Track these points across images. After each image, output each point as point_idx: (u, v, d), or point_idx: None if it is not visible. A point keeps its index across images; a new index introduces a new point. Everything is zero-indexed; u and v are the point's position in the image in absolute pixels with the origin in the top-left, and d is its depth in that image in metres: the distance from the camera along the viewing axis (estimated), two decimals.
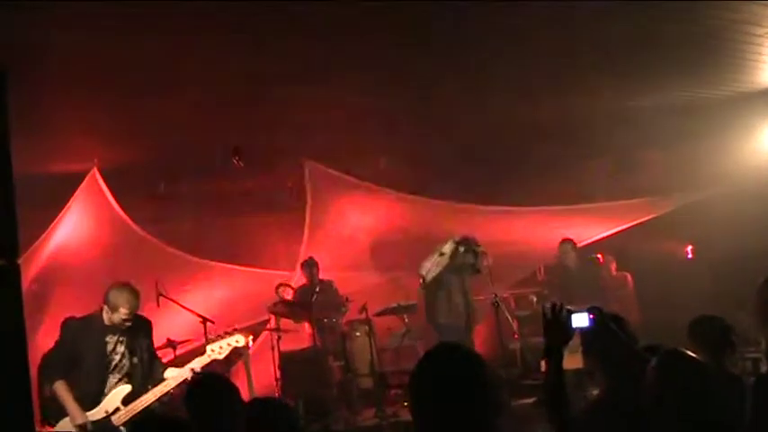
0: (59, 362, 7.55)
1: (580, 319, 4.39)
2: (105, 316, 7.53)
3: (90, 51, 7.66)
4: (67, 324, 7.79)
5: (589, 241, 13.34)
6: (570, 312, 4.27)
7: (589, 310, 4.53)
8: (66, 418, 7.35)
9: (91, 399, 7.39)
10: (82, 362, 7.48)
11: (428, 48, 8.57)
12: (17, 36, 6.69)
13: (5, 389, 3.39)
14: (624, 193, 13.17)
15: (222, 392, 4.58)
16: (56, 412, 9.02)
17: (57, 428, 7.37)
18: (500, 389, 4.27)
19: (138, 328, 7.73)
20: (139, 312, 7.82)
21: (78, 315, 9.97)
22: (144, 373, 7.68)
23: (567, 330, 4.19)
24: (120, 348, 7.60)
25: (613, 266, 13.55)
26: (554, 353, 4.12)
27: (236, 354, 11.66)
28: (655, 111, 11.57)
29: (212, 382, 4.91)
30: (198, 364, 7.70)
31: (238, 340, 7.94)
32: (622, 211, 13.15)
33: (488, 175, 13.25)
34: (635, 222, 13.09)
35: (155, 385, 7.55)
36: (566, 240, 12.84)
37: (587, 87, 10.58)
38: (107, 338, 7.54)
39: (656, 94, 11.05)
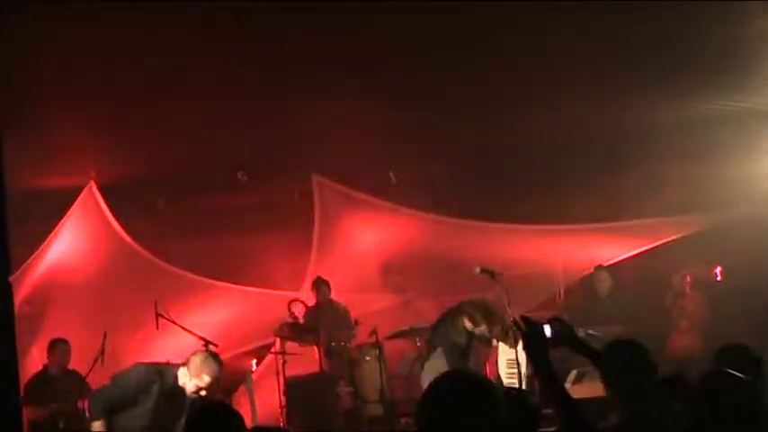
0: (112, 400, 7.28)
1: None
2: (181, 376, 7.38)
3: (89, 63, 7.72)
4: (139, 369, 7.51)
5: (613, 261, 13.28)
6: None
7: (549, 321, 4.66)
8: None
9: None
10: (133, 408, 7.33)
11: (445, 63, 8.60)
12: (12, 49, 6.75)
13: None
14: (651, 211, 13.12)
15: (225, 422, 4.55)
16: None
17: None
18: (528, 419, 4.28)
19: None
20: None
21: (68, 337, 10.08)
22: None
23: (541, 339, 4.27)
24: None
25: (687, 281, 13.20)
26: (536, 363, 4.18)
27: (238, 377, 11.72)
28: (684, 124, 11.54)
29: (214, 411, 4.88)
30: None
31: None
32: (649, 230, 13.09)
33: (506, 193, 13.22)
34: (662, 242, 13.04)
35: None
36: (599, 267, 12.80)
37: (615, 102, 10.57)
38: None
39: (685, 106, 11.03)
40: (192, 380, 7.32)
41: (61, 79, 8.10)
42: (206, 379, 7.30)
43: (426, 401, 3.00)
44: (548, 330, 4.59)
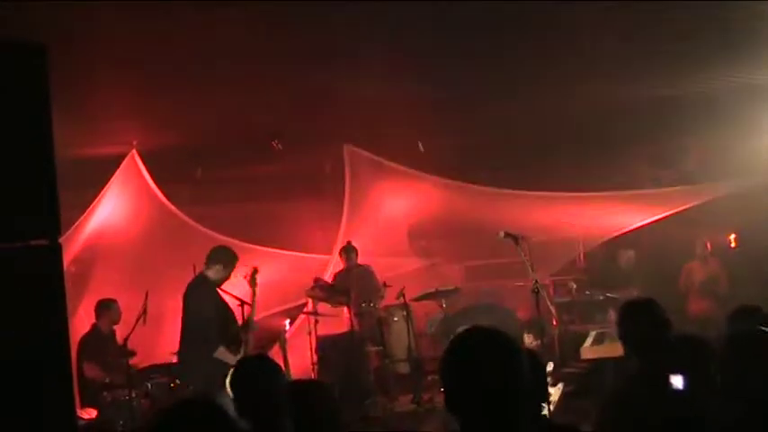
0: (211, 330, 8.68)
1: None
2: (216, 278, 8.91)
3: (130, 32, 7.72)
4: (206, 283, 8.90)
5: (630, 228, 13.25)
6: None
7: None
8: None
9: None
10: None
11: (473, 33, 8.55)
12: (58, 13, 6.76)
13: (48, 372, 3.45)
14: (667, 180, 13.07)
15: (267, 373, 4.63)
16: (93, 396, 9.25)
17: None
18: (538, 374, 4.31)
19: None
20: (175, 296, 8.37)
21: (114, 297, 10.28)
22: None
23: None
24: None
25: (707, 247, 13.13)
26: None
27: (273, 336, 11.83)
28: (699, 96, 11.45)
29: (257, 363, 4.97)
30: None
31: None
32: (664, 198, 13.05)
33: (529, 161, 13.20)
34: (677, 210, 12.98)
35: None
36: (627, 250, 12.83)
37: (638, 75, 10.50)
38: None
39: (705, 78, 10.92)
40: (225, 271, 8.89)
41: (106, 52, 8.12)
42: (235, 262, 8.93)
43: (449, 356, 3.01)
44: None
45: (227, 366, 7.92)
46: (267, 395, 4.40)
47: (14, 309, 3.38)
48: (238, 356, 8.49)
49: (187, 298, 8.92)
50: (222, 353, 8.53)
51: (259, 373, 4.65)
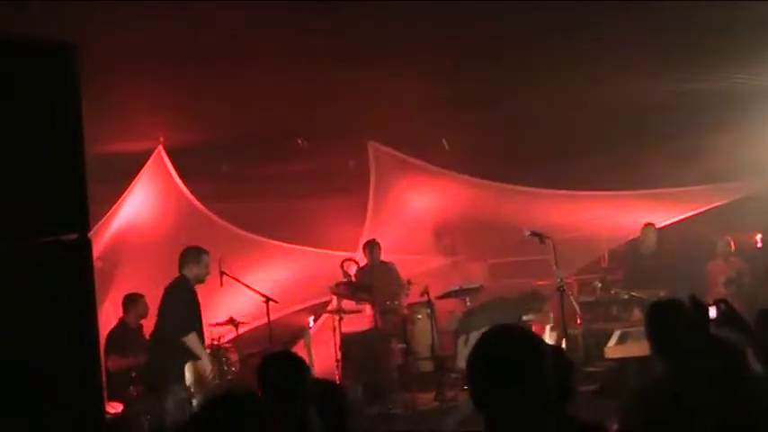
0: (192, 314, 8.87)
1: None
2: (191, 277, 8.95)
3: (158, 29, 7.77)
4: (185, 282, 8.98)
5: (657, 227, 13.16)
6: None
7: (715, 303, 4.77)
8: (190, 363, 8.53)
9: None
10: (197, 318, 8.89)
11: (500, 31, 8.55)
12: (86, 11, 6.82)
13: (78, 367, 3.47)
14: (692, 179, 12.98)
15: (294, 368, 4.68)
16: (117, 389, 9.33)
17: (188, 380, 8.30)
18: (566, 373, 4.29)
19: None
20: (200, 291, 8.65)
21: (141, 292, 10.37)
22: None
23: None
24: None
25: (732, 246, 13.05)
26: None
27: (297, 333, 11.87)
28: (725, 94, 11.38)
29: (284, 358, 5.02)
30: None
31: None
32: (690, 197, 12.98)
33: (554, 159, 13.15)
34: (702, 209, 12.91)
35: None
36: (648, 224, 12.62)
37: (656, 71, 10.45)
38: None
39: (725, 76, 10.87)
40: (200, 266, 9.00)
41: (134, 49, 8.17)
42: (206, 258, 9.01)
43: (476, 353, 3.03)
44: (713, 311, 4.68)
45: (185, 360, 8.52)
46: (294, 389, 4.45)
47: (44, 303, 3.40)
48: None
49: (166, 294, 9.08)
50: (193, 340, 8.71)
51: (286, 367, 4.69)
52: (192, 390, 8.33)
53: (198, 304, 9.00)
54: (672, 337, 4.68)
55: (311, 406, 4.30)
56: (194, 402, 8.06)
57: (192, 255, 9.05)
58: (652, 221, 12.61)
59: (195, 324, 8.87)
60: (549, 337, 11.03)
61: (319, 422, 4.30)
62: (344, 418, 4.68)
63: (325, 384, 5.11)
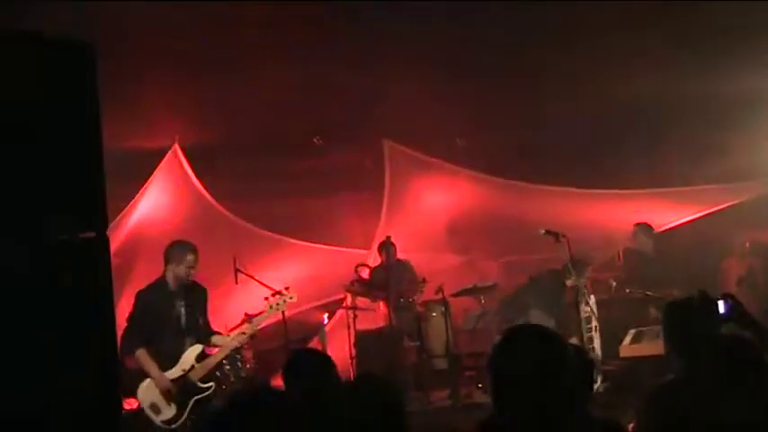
0: (139, 331, 7.79)
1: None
2: (170, 276, 7.89)
3: (174, 29, 7.80)
4: (138, 296, 7.99)
5: (668, 226, 13.13)
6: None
7: (723, 297, 4.83)
8: (146, 382, 7.74)
9: (169, 361, 7.77)
10: (156, 326, 7.83)
11: (516, 32, 8.55)
12: (103, 11, 6.85)
13: (96, 365, 3.49)
14: (708, 178, 12.93)
15: (319, 365, 4.68)
16: (131, 385, 9.29)
17: (139, 393, 7.70)
18: (588, 373, 4.29)
19: (198, 293, 8.13)
20: (215, 289, 8.16)
21: None
22: (204, 335, 8.07)
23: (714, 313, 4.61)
24: (186, 312, 7.94)
25: (747, 246, 13.04)
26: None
27: (312, 330, 11.86)
28: (740, 94, 11.34)
29: (309, 355, 5.02)
30: (259, 320, 8.18)
31: (292, 297, 8.42)
32: (705, 196, 12.92)
33: (568, 158, 13.13)
34: (718, 208, 12.86)
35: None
36: (638, 224, 12.51)
37: (668, 71, 10.43)
38: (176, 303, 7.88)
39: (737, 76, 10.83)
40: (178, 268, 7.83)
41: (150, 48, 8.20)
42: (189, 258, 7.84)
43: (497, 352, 3.04)
44: (722, 306, 4.74)
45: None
46: (319, 386, 4.44)
47: (62, 301, 3.42)
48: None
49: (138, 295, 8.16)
50: (141, 355, 7.78)
51: (311, 365, 4.69)
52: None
53: (167, 310, 7.89)
54: (689, 335, 4.67)
55: (337, 407, 4.28)
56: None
57: (173, 252, 7.96)
58: (645, 221, 12.48)
59: (145, 337, 7.80)
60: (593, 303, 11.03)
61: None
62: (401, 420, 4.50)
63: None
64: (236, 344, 8.00)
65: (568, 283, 10.57)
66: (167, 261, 7.93)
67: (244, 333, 8.04)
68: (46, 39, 3.54)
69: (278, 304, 8.33)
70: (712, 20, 8.60)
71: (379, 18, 7.97)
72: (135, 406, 9.11)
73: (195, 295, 8.06)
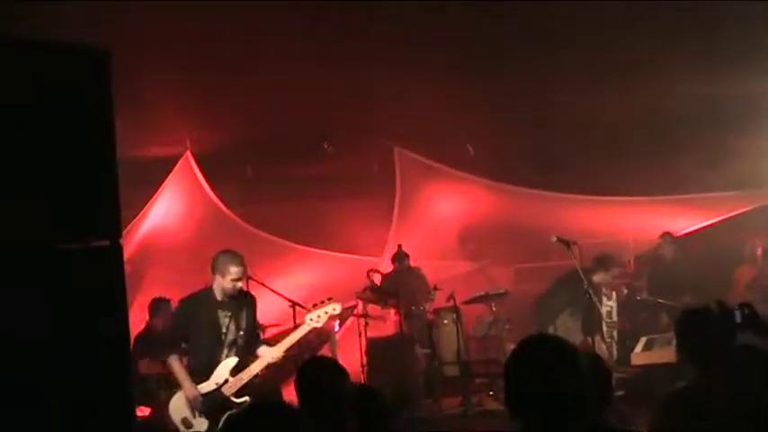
0: (174, 338, 7.74)
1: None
2: (216, 287, 7.60)
3: (184, 34, 7.80)
4: (182, 302, 7.82)
5: (682, 233, 13.10)
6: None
7: (740, 306, 4.80)
8: (177, 396, 7.50)
9: (203, 372, 7.51)
10: (196, 337, 7.62)
11: (526, 37, 8.54)
12: (115, 16, 6.86)
13: (110, 373, 3.47)
14: (719, 185, 12.90)
15: (332, 374, 4.66)
16: (146, 394, 9.26)
17: (171, 403, 7.53)
18: (604, 381, 4.27)
19: (245, 303, 7.82)
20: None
21: (168, 296, 10.24)
22: (248, 348, 7.75)
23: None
24: (230, 323, 7.63)
25: (758, 252, 12.97)
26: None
27: (323, 337, 11.83)
28: (751, 100, 11.30)
29: (322, 364, 4.99)
30: (298, 333, 7.73)
31: (335, 308, 7.87)
32: (717, 203, 12.90)
33: (580, 165, 13.10)
34: (729, 215, 12.82)
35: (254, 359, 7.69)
36: (664, 234, 12.51)
37: (684, 77, 10.39)
38: (219, 313, 7.60)
39: (756, 82, 10.80)
40: (224, 280, 7.49)
41: (161, 55, 8.20)
42: (233, 270, 7.47)
43: (512, 360, 3.06)
44: (738, 315, 4.72)
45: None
46: (332, 396, 4.42)
47: (76, 310, 3.41)
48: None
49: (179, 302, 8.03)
50: (173, 364, 7.55)
51: (324, 374, 4.67)
52: None
53: (209, 321, 7.60)
54: (703, 343, 4.65)
55: (350, 417, 4.28)
56: None
57: (217, 263, 7.63)
58: (670, 230, 12.50)
59: (182, 346, 7.71)
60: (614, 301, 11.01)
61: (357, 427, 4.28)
62: (384, 426, 4.64)
63: (364, 390, 5.06)
64: (270, 359, 7.69)
65: (596, 278, 10.53)
66: (213, 271, 7.64)
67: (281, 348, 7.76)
68: (60, 45, 3.53)
69: (319, 316, 7.76)
70: (723, 26, 8.56)
71: (388, 22, 7.97)
72: (147, 413, 9.12)
73: (242, 305, 7.74)
